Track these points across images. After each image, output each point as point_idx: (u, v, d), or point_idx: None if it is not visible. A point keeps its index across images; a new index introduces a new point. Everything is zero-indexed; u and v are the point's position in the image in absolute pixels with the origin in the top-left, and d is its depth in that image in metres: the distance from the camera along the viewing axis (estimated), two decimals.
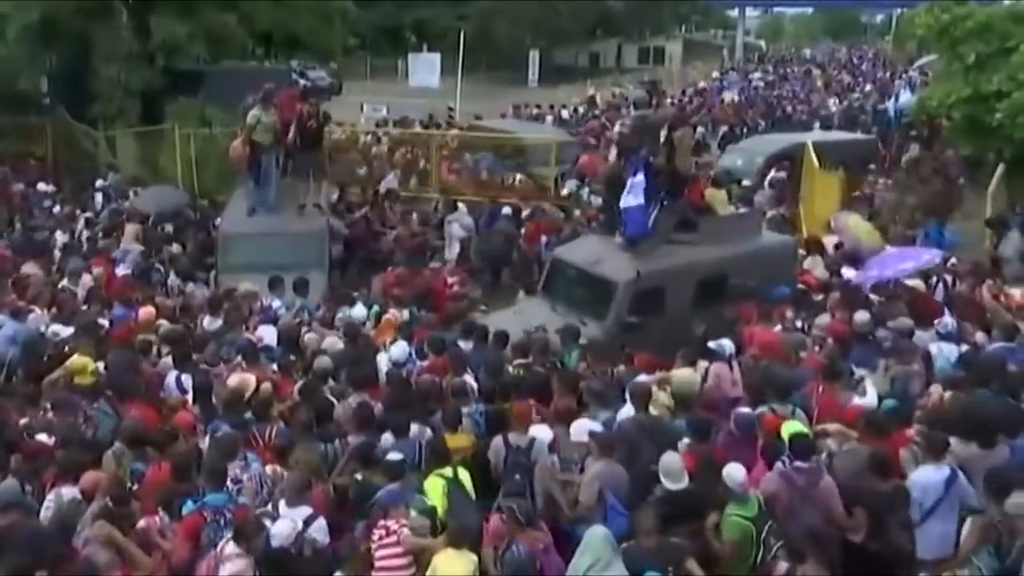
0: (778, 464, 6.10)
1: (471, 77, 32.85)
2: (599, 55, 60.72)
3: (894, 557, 5.71)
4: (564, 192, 17.75)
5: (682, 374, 7.80)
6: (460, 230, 14.27)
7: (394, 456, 6.23)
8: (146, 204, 15.75)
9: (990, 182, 14.45)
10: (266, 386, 7.76)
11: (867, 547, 5.67)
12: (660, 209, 10.07)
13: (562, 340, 8.86)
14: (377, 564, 5.61)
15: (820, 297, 10.08)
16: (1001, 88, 14.49)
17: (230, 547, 5.33)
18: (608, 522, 5.73)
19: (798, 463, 5.96)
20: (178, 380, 8.20)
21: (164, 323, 9.89)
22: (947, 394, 7.12)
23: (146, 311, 10.06)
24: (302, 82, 27.95)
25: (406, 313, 10.41)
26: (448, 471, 6.24)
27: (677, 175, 10.36)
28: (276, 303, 10.57)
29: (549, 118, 28.99)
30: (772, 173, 17.49)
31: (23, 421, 7.61)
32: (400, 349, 8.61)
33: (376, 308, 10.60)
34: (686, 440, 6.65)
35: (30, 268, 11.93)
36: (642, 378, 7.71)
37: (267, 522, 5.58)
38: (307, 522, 5.65)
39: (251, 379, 7.81)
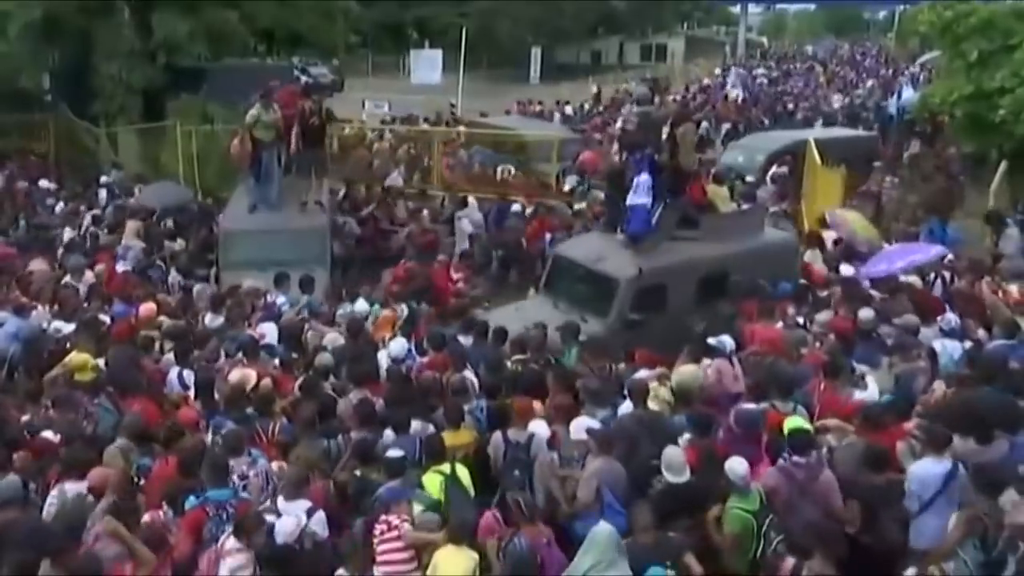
0: (779, 459, 6.12)
1: (473, 74, 32.83)
2: (601, 52, 60.72)
3: (887, 550, 5.73)
4: (566, 188, 17.75)
5: (686, 370, 7.82)
6: (470, 226, 14.25)
7: (394, 453, 6.23)
8: (150, 200, 15.77)
9: (992, 179, 14.44)
10: (266, 382, 7.77)
11: (860, 539, 5.68)
12: (663, 206, 10.06)
13: (562, 338, 8.85)
14: (379, 559, 5.62)
15: (825, 293, 10.08)
16: (1004, 85, 14.47)
17: (231, 542, 5.34)
18: (605, 520, 5.70)
19: (796, 458, 5.99)
20: (180, 376, 8.21)
21: (164, 319, 9.90)
22: (949, 391, 7.12)
23: (146, 307, 10.07)
24: (304, 79, 27.94)
25: (404, 309, 10.40)
26: (446, 467, 6.24)
27: (680, 172, 10.35)
28: (280, 299, 10.57)
29: (558, 115, 28.95)
30: (774, 169, 17.49)
31: (25, 418, 7.63)
32: (399, 345, 8.61)
33: (377, 306, 10.59)
34: (687, 436, 6.66)
35: (38, 265, 11.93)
36: (642, 374, 7.72)
37: (269, 517, 5.58)
38: (307, 515, 5.68)
39: (252, 375, 7.83)
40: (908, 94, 23.95)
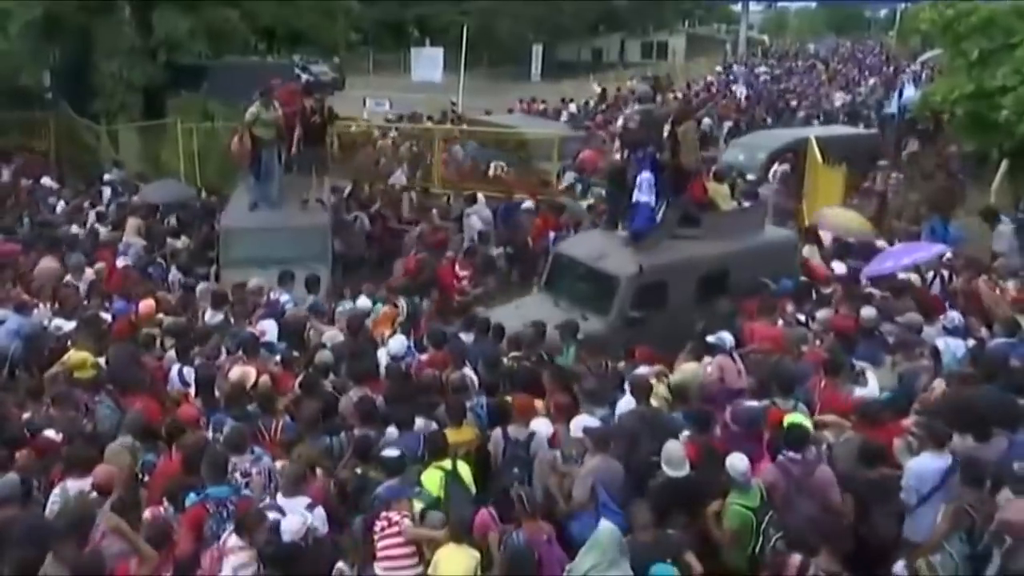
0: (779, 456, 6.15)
1: (473, 72, 32.83)
2: (602, 50, 60.65)
3: (880, 543, 5.76)
4: (562, 186, 17.74)
5: (687, 368, 7.82)
6: (479, 222, 14.23)
7: (391, 452, 6.23)
8: (153, 196, 15.79)
9: (993, 177, 14.43)
10: (264, 379, 7.77)
11: (854, 532, 5.70)
12: (665, 204, 10.06)
13: (560, 336, 8.85)
14: (379, 554, 5.63)
15: (828, 290, 10.08)
16: (1005, 83, 14.45)
17: (233, 540, 5.33)
18: (599, 520, 5.70)
19: (790, 453, 6.03)
20: (180, 373, 8.21)
21: (162, 316, 9.90)
22: (948, 389, 7.13)
23: (146, 305, 10.07)
24: (305, 77, 27.93)
25: (405, 305, 10.41)
26: (447, 464, 6.24)
27: (681, 170, 10.35)
28: (284, 297, 10.57)
29: (565, 113, 28.90)
30: (776, 166, 17.48)
31: (26, 416, 7.63)
32: (398, 343, 8.61)
33: (380, 304, 10.59)
34: (686, 432, 6.67)
35: (47, 262, 11.95)
36: (641, 371, 7.72)
37: (272, 515, 5.58)
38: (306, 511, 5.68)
39: (251, 372, 7.83)
40: (909, 92, 23.94)
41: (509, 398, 7.16)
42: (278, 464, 6.44)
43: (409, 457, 6.44)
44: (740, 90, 34.12)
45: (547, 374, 7.74)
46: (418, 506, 5.88)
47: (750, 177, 17.07)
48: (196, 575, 5.39)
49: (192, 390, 8.07)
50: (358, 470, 6.42)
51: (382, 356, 8.49)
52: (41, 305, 10.46)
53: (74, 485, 6.16)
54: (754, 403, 7.04)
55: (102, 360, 8.57)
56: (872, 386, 7.31)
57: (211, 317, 9.92)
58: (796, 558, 5.19)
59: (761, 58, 53.61)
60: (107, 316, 10.08)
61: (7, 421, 7.45)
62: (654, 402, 7.25)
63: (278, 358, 8.72)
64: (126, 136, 22.01)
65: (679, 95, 31.16)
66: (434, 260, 12.55)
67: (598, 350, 8.58)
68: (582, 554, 5.42)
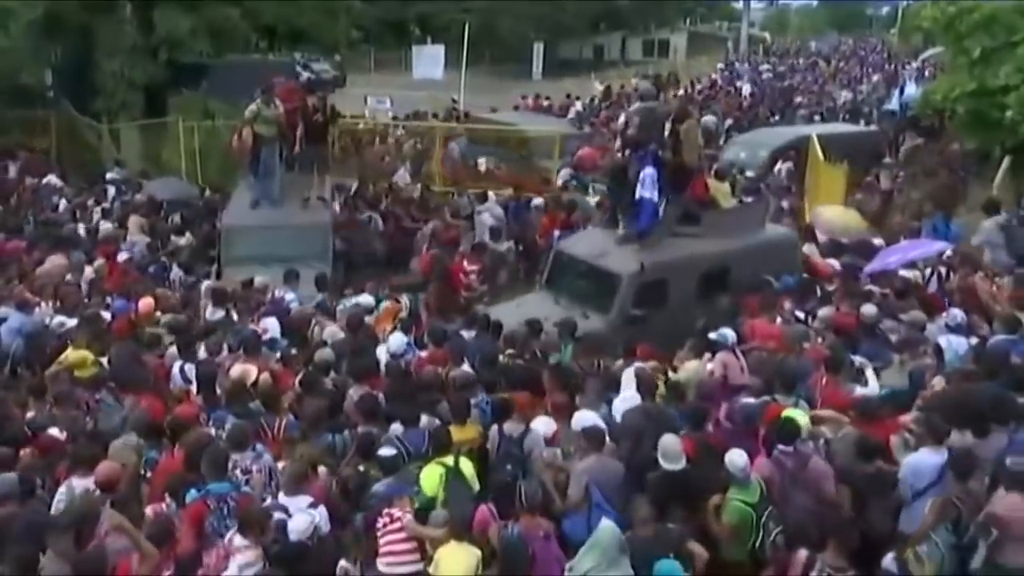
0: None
1: (475, 70, 32.78)
2: (603, 48, 60.55)
3: (875, 537, 5.77)
4: (558, 183, 17.75)
5: (689, 367, 7.82)
6: (491, 219, 14.24)
7: (387, 452, 6.23)
8: (158, 193, 15.83)
9: (995, 175, 14.41)
10: (264, 376, 7.78)
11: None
12: (665, 202, 10.05)
13: (559, 334, 8.83)
14: (382, 550, 5.64)
15: (832, 287, 10.07)
16: (1008, 82, 14.40)
17: (238, 539, 5.33)
18: (591, 519, 5.71)
19: (782, 447, 6.07)
20: (182, 371, 8.21)
21: (160, 314, 9.89)
22: (948, 385, 7.14)
23: (145, 303, 10.08)
24: (306, 75, 27.94)
25: (407, 302, 10.42)
26: (449, 460, 6.23)
27: (683, 168, 10.35)
28: (290, 296, 10.58)
29: (573, 110, 28.80)
30: (780, 164, 17.48)
31: (29, 414, 7.63)
32: (398, 340, 8.62)
33: (383, 300, 10.60)
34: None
35: (57, 259, 11.98)
36: (636, 366, 7.74)
37: (276, 514, 5.58)
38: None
39: (252, 370, 7.84)
40: (911, 90, 23.92)
41: (510, 395, 7.16)
42: (280, 464, 6.45)
43: (414, 453, 6.45)
44: (745, 87, 34.13)
45: (547, 373, 7.73)
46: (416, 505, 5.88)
47: (749, 174, 17.08)
48: (197, 571, 5.39)
49: (194, 387, 8.07)
50: (360, 468, 6.42)
51: (382, 353, 8.49)
52: (43, 303, 10.46)
53: (79, 483, 6.16)
54: (752, 400, 7.06)
55: (103, 358, 8.58)
56: (872, 385, 7.32)
57: (212, 314, 9.93)
58: (803, 554, 5.21)
59: (763, 56, 53.56)
60: (107, 314, 10.08)
61: (9, 420, 7.46)
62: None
63: (278, 355, 8.72)
64: (127, 135, 22.02)
65: (682, 92, 31.16)
66: (446, 257, 12.59)
67: (594, 349, 8.57)
68: (582, 554, 5.42)
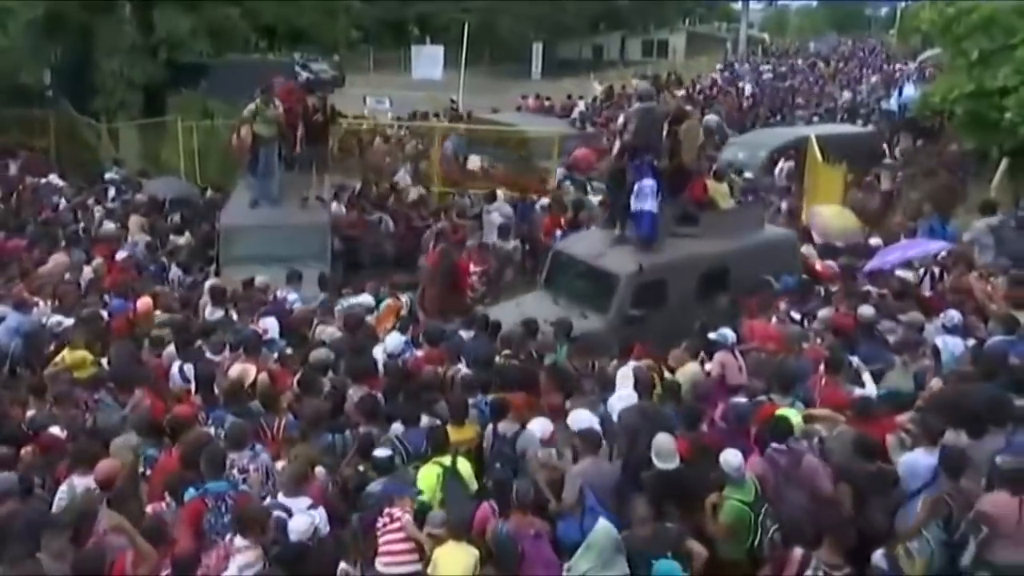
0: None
1: (474, 70, 32.82)
2: (602, 48, 60.58)
3: (874, 536, 5.79)
4: (552, 183, 17.77)
5: (687, 370, 7.83)
6: (500, 218, 14.25)
7: (381, 452, 6.24)
8: (158, 191, 15.82)
9: (993, 175, 14.43)
10: (262, 376, 7.78)
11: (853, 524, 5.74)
12: (662, 203, 10.07)
13: (554, 334, 8.85)
14: (381, 549, 5.64)
15: (835, 288, 10.10)
16: (1007, 84, 14.41)
17: (239, 539, 5.33)
18: (584, 522, 5.70)
19: (775, 444, 6.09)
20: (181, 370, 8.21)
21: (159, 313, 9.88)
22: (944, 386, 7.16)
23: (143, 302, 10.08)
24: (305, 75, 27.94)
25: (408, 301, 10.44)
26: (447, 460, 6.24)
27: (682, 169, 10.36)
28: (292, 296, 10.59)
29: (576, 111, 28.87)
30: (782, 163, 17.49)
31: (30, 413, 7.64)
32: (395, 340, 8.62)
33: (385, 299, 10.61)
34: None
35: (60, 257, 11.97)
36: (630, 365, 7.76)
37: (275, 513, 5.59)
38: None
39: (251, 369, 7.84)
40: (909, 91, 23.96)
41: (507, 396, 7.15)
42: (278, 463, 6.46)
43: (414, 453, 6.46)
44: (748, 87, 34.18)
45: (544, 373, 7.73)
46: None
47: (748, 175, 17.10)
48: (196, 571, 5.39)
49: (192, 387, 8.07)
50: (360, 468, 6.43)
51: (379, 353, 8.50)
52: (41, 302, 10.46)
53: (80, 481, 6.16)
54: (745, 400, 7.09)
55: (102, 358, 8.58)
56: (870, 387, 7.33)
57: (212, 314, 9.93)
58: (798, 552, 5.22)
59: (762, 56, 53.61)
60: (104, 313, 10.08)
61: (7, 419, 7.47)
62: None
63: (275, 355, 8.73)
64: (126, 134, 22.03)
65: (684, 92, 31.16)
66: (453, 252, 12.61)
67: (589, 349, 8.58)
68: (579, 555, 5.42)
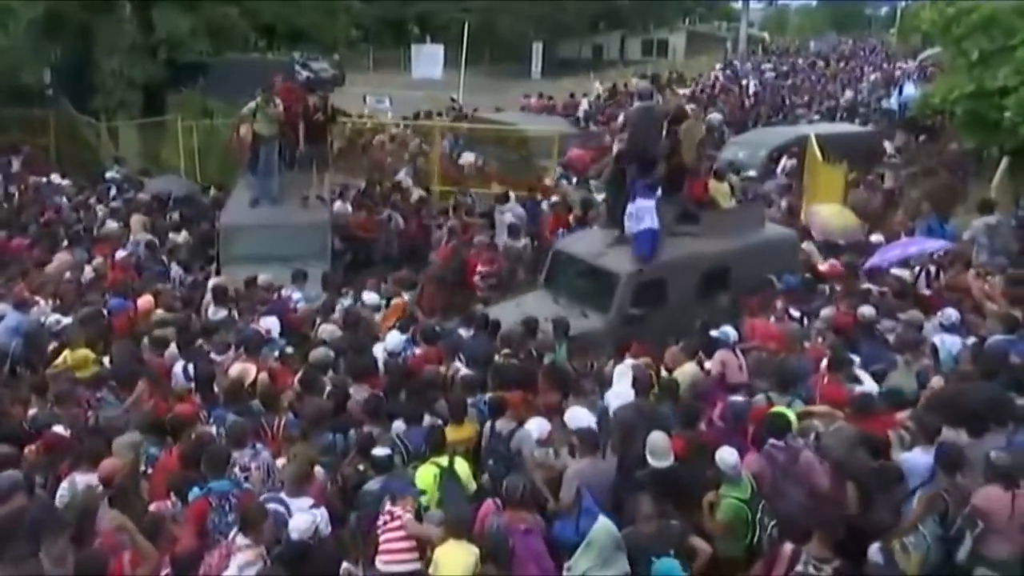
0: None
1: (474, 69, 32.83)
2: (602, 48, 60.58)
3: (878, 532, 5.80)
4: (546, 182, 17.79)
5: (686, 370, 7.83)
6: (512, 217, 14.26)
7: (380, 451, 6.25)
8: (161, 190, 15.81)
9: (993, 175, 14.43)
10: (262, 376, 7.79)
11: (855, 522, 5.77)
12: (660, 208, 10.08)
13: (553, 333, 8.86)
14: (381, 547, 5.64)
15: (839, 287, 10.12)
16: (1007, 84, 14.39)
17: (240, 538, 5.34)
18: (580, 522, 5.69)
19: (773, 440, 6.11)
20: (184, 370, 8.22)
21: (161, 312, 9.89)
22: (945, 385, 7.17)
23: (144, 301, 10.08)
24: (305, 74, 27.94)
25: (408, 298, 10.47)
26: (444, 460, 6.25)
27: (681, 168, 10.36)
28: (296, 295, 10.61)
29: (581, 110, 28.87)
30: (784, 161, 17.49)
31: (32, 411, 7.64)
32: (395, 339, 8.63)
33: (391, 298, 10.63)
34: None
35: (64, 258, 11.96)
36: (626, 363, 7.79)
37: (272, 506, 5.60)
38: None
39: (251, 369, 7.85)
40: (910, 90, 23.97)
41: (505, 394, 7.16)
42: (279, 461, 6.47)
43: (414, 452, 6.47)
44: (751, 86, 34.19)
45: (542, 373, 7.75)
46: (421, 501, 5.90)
47: (751, 173, 17.11)
48: (197, 570, 5.39)
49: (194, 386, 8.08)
50: (360, 467, 6.44)
51: (379, 351, 8.52)
52: (41, 301, 10.46)
53: (82, 479, 6.17)
54: (742, 399, 7.09)
55: (104, 357, 8.58)
56: (868, 385, 7.34)
57: (215, 313, 9.93)
58: (788, 547, 5.23)
59: (763, 55, 53.63)
60: (104, 312, 10.08)
61: (7, 417, 7.47)
62: None
63: (276, 354, 8.73)
64: (126, 133, 22.05)
65: (687, 91, 31.16)
66: (464, 250, 12.73)
67: (587, 348, 8.59)
68: (579, 554, 5.43)
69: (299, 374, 7.90)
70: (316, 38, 28.43)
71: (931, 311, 8.85)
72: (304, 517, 5.49)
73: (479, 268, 12.03)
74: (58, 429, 7.01)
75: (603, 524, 5.50)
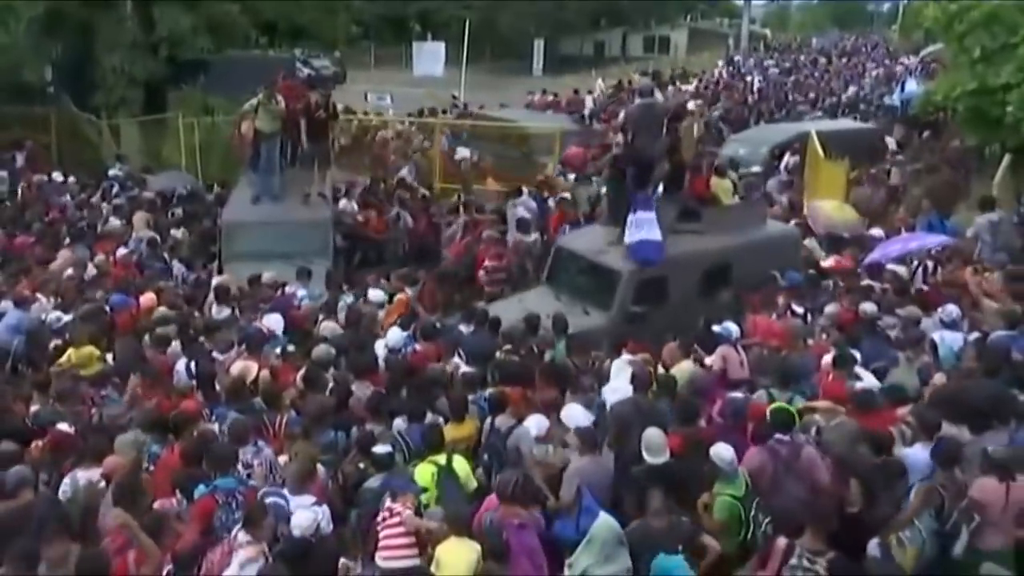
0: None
1: (475, 67, 32.81)
2: (604, 44, 60.46)
3: (879, 528, 5.80)
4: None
5: (684, 367, 7.83)
6: (526, 212, 14.26)
7: (381, 449, 6.26)
8: (164, 186, 15.82)
9: (994, 172, 14.40)
10: (264, 374, 7.80)
11: (861, 518, 5.77)
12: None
13: (552, 330, 8.86)
14: (380, 544, 5.63)
15: (842, 285, 10.12)
16: (1009, 81, 14.35)
17: (241, 535, 5.34)
18: (580, 521, 5.68)
19: (778, 435, 6.09)
20: (187, 367, 8.22)
21: (163, 309, 9.90)
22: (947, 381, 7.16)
23: (147, 298, 10.08)
24: (306, 71, 27.95)
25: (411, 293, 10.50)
26: (442, 458, 6.25)
27: (681, 166, 10.34)
28: (301, 292, 10.62)
29: (586, 106, 28.86)
30: (788, 157, 17.48)
31: (34, 408, 7.65)
32: (395, 335, 8.64)
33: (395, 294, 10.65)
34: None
35: (68, 254, 11.98)
36: (624, 359, 7.79)
37: (271, 499, 5.61)
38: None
39: (253, 367, 7.86)
40: (912, 86, 23.94)
41: (505, 391, 7.16)
42: (280, 459, 6.47)
43: (415, 450, 6.47)
44: (756, 82, 34.17)
45: (539, 369, 7.75)
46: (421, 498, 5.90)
47: (756, 168, 17.10)
48: (199, 566, 5.40)
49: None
50: (361, 465, 6.44)
51: (380, 349, 8.52)
52: (42, 298, 10.47)
53: (84, 475, 6.19)
54: (740, 395, 7.09)
55: (107, 354, 8.59)
56: (868, 381, 7.33)
57: (218, 312, 9.93)
58: (782, 542, 5.23)
59: (765, 52, 53.56)
60: (106, 308, 10.09)
61: (9, 414, 7.48)
62: None
63: (278, 351, 8.74)
64: (127, 130, 22.05)
65: (691, 88, 31.12)
66: (475, 247, 12.79)
67: (587, 345, 8.59)
68: (579, 551, 5.43)
69: (302, 371, 7.90)
70: (317, 35, 28.44)
71: (930, 307, 8.83)
72: (305, 514, 5.49)
73: (486, 263, 12.04)
74: (63, 426, 7.02)
75: (604, 520, 5.50)
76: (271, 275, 10.92)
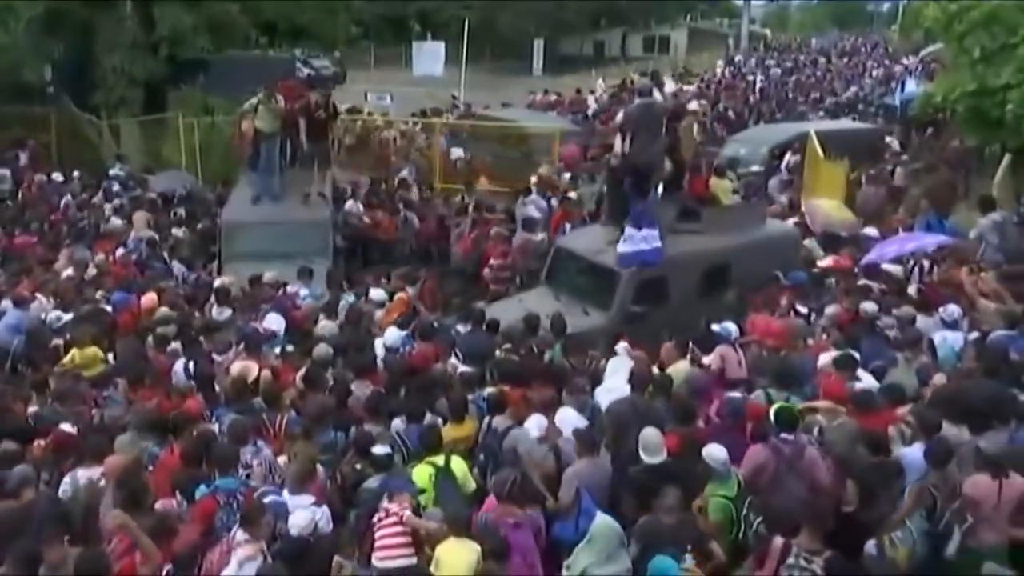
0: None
1: (475, 66, 32.79)
2: (604, 44, 60.45)
3: (877, 528, 5.81)
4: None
5: (680, 368, 7.83)
6: (534, 210, 14.26)
7: (379, 450, 6.26)
8: (164, 186, 15.81)
9: (994, 172, 14.40)
10: (265, 374, 7.80)
11: (858, 517, 5.76)
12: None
13: (550, 330, 8.86)
14: (377, 543, 5.63)
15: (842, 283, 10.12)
16: (1009, 81, 14.35)
17: (240, 534, 5.35)
18: (579, 522, 5.69)
19: (784, 435, 6.09)
20: (186, 368, 8.23)
21: (165, 309, 9.91)
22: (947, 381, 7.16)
23: (148, 298, 10.08)
24: (306, 71, 27.95)
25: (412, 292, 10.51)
26: (440, 459, 6.25)
27: (681, 166, 10.33)
28: (303, 292, 10.63)
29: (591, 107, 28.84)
30: (788, 156, 17.48)
31: (32, 409, 7.65)
32: (393, 335, 8.64)
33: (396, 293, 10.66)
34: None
35: (70, 254, 11.99)
36: (621, 356, 7.79)
37: (270, 498, 5.60)
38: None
39: (253, 367, 7.86)
40: (912, 86, 23.95)
41: (505, 391, 7.16)
42: (280, 459, 6.47)
43: (413, 451, 6.46)
44: (758, 81, 34.18)
45: (537, 370, 7.73)
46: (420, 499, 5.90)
47: (756, 168, 17.10)
48: (198, 566, 5.40)
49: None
50: (358, 466, 6.44)
51: (379, 348, 8.53)
52: (42, 298, 10.47)
53: (84, 474, 6.19)
54: (739, 395, 7.09)
55: (109, 354, 8.59)
56: (867, 381, 7.34)
57: (219, 313, 9.94)
58: (779, 541, 5.23)
59: (764, 51, 53.59)
60: (107, 308, 10.09)
61: (9, 414, 7.48)
62: None
63: (277, 350, 8.74)
64: (127, 130, 22.04)
65: (695, 87, 31.12)
66: (484, 244, 12.84)
67: (584, 345, 8.59)
68: (579, 550, 5.43)
69: (302, 371, 7.91)
70: (317, 35, 28.44)
71: (931, 307, 8.83)
72: (303, 514, 5.50)
73: (491, 261, 12.05)
74: (65, 427, 7.03)
75: (604, 520, 5.50)
76: (272, 275, 10.92)
